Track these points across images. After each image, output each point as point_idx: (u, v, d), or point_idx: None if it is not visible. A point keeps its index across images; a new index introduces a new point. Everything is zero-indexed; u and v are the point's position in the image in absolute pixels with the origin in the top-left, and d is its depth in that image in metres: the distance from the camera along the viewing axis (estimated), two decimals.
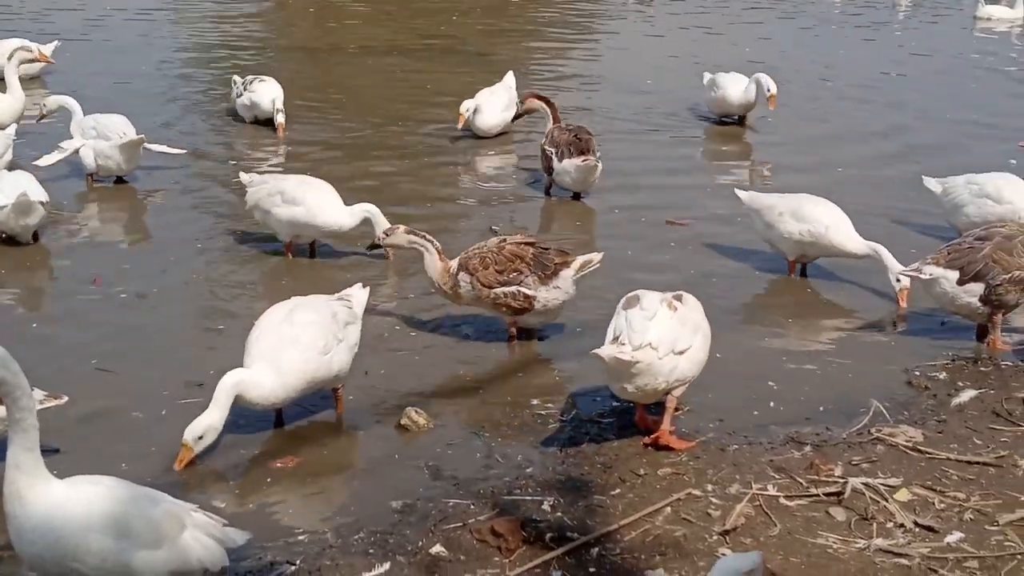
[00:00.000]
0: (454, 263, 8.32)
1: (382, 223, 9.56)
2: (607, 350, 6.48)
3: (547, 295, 8.21)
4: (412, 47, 20.11)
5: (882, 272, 9.21)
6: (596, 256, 8.35)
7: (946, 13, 26.70)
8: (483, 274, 8.20)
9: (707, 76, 15.03)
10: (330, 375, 6.95)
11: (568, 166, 11.59)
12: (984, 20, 24.84)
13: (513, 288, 8.15)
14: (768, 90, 14.11)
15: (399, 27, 22.30)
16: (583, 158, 11.49)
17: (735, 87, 14.67)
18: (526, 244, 8.35)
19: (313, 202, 9.70)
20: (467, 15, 24.12)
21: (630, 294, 6.91)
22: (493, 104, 14.04)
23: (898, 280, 8.97)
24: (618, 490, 6.34)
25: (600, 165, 11.59)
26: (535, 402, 7.45)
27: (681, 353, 6.62)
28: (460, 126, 13.72)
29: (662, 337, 6.54)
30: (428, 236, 8.43)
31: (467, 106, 13.77)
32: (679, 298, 6.88)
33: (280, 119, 13.64)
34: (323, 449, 6.89)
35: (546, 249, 8.36)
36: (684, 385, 6.77)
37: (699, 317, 6.92)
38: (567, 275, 8.23)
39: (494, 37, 21.63)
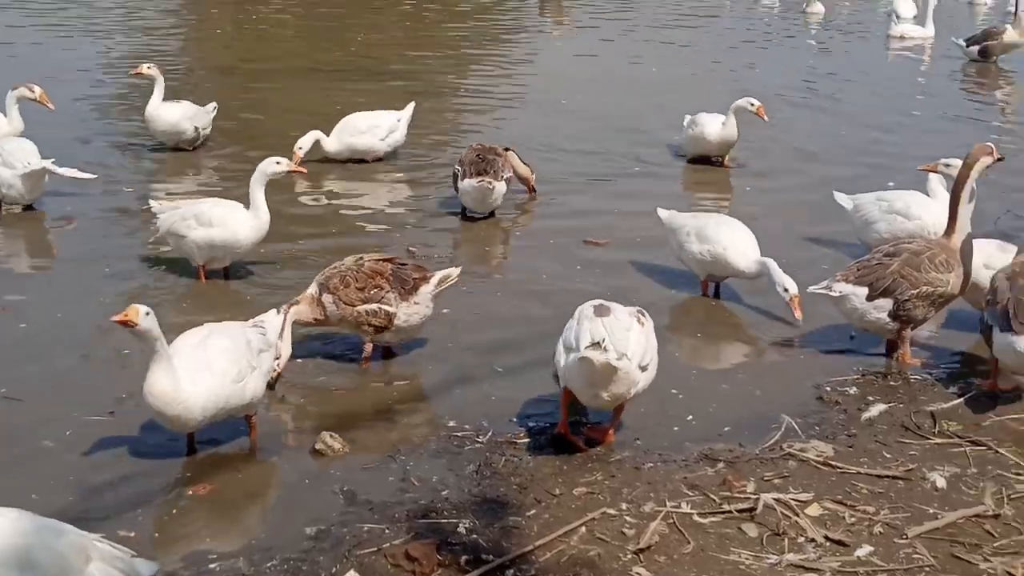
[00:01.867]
0: (313, 288, 8.22)
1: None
2: (596, 354, 6.54)
3: (407, 311, 8.20)
4: (328, 67, 20.04)
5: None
6: (454, 271, 8.42)
7: (863, 33, 27.20)
8: (344, 292, 8.12)
9: (687, 117, 14.32)
10: (243, 402, 6.88)
11: (466, 186, 11.61)
12: (897, 39, 25.35)
13: (374, 306, 8.11)
14: (752, 105, 13.61)
15: (314, 46, 22.23)
16: (479, 179, 11.51)
17: (713, 125, 13.96)
18: (384, 260, 8.33)
19: (230, 221, 9.65)
20: (380, 33, 24.12)
21: (596, 302, 7.02)
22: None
23: (785, 290, 9.07)
24: (534, 511, 6.35)
25: (499, 187, 11.59)
26: (451, 424, 7.43)
27: (644, 368, 6.84)
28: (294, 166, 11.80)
29: (636, 350, 6.75)
30: (288, 306, 8.06)
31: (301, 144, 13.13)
32: (643, 314, 7.11)
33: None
34: (236, 475, 6.81)
35: (404, 265, 8.36)
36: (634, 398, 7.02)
37: (654, 336, 7.12)
38: (426, 291, 8.25)
39: (406, 55, 21.63)
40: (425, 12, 27.94)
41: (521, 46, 23.57)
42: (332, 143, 13.71)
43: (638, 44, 23.80)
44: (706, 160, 14.13)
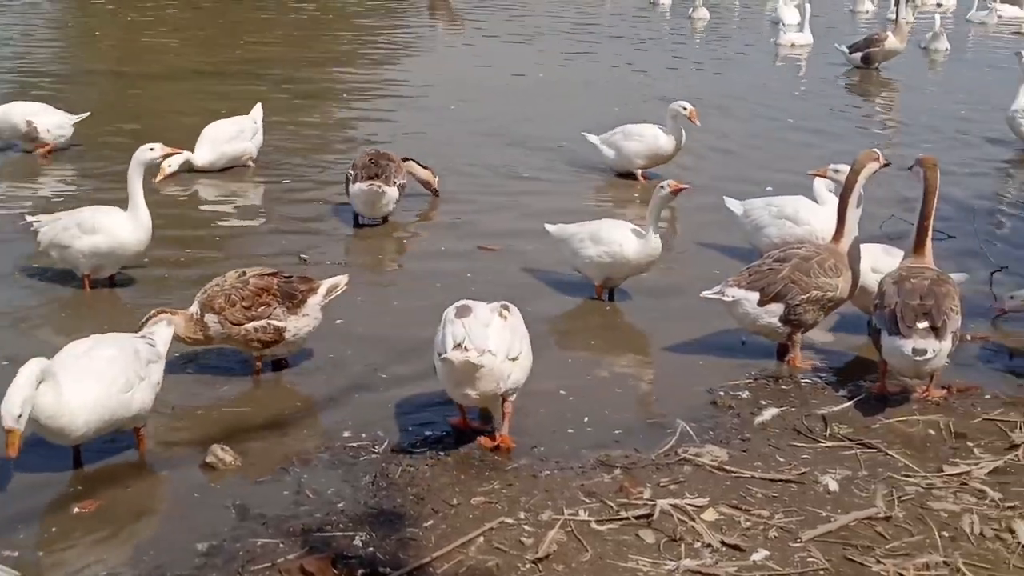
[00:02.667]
0: (195, 307, 8.01)
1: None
2: (456, 354, 6.66)
3: (297, 324, 8.09)
4: (215, 71, 19.75)
5: (685, 294, 9.40)
6: (342, 279, 8.35)
7: (753, 42, 27.63)
8: (230, 312, 7.94)
9: (618, 131, 13.84)
10: (130, 414, 6.71)
11: (356, 190, 11.52)
12: (787, 47, 25.80)
13: (263, 322, 7.97)
14: (684, 108, 13.16)
15: (201, 50, 21.90)
16: (369, 183, 11.42)
17: (652, 137, 13.55)
18: (269, 275, 8.19)
19: (110, 225, 9.44)
20: (266, 37, 23.86)
21: (459, 303, 7.10)
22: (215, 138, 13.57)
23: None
24: (431, 521, 6.28)
25: (390, 192, 11.52)
26: (346, 435, 7.32)
27: (514, 359, 6.92)
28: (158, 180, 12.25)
29: (499, 343, 6.84)
30: (157, 313, 7.83)
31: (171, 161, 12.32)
32: (507, 307, 7.17)
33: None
34: (125, 491, 6.62)
35: (289, 278, 8.23)
36: (517, 391, 7.07)
37: (523, 326, 7.21)
38: (315, 302, 8.16)
39: (297, 60, 21.43)
40: (314, 15, 27.70)
41: (410, 50, 23.51)
42: (205, 155, 13.44)
43: (528, 49, 23.90)
44: (629, 175, 13.91)
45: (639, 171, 13.83)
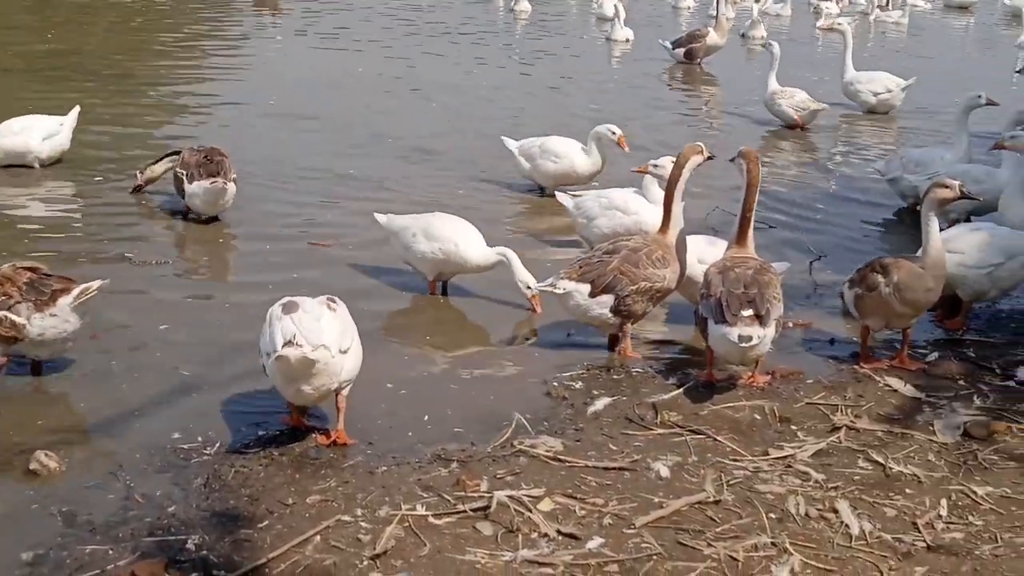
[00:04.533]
0: None
1: None
2: (290, 351, 6.58)
3: (43, 323, 7.74)
4: (24, 66, 19.11)
5: (518, 287, 9.48)
6: (96, 283, 7.92)
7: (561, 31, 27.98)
8: None
9: (535, 146, 13.11)
10: None
11: (197, 188, 11.32)
12: (623, 43, 26.18)
13: (0, 313, 7.71)
14: (613, 133, 12.48)
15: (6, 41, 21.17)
16: (211, 180, 11.26)
17: (568, 158, 12.87)
18: (26, 268, 7.89)
19: None
20: (84, 33, 23.18)
21: (285, 300, 7.03)
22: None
23: (528, 287, 9.29)
24: (266, 522, 6.19)
25: (231, 187, 11.38)
26: (176, 437, 7.14)
27: (345, 352, 6.88)
28: None
29: (332, 337, 6.80)
30: None
31: None
32: (333, 300, 7.14)
33: None
34: None
35: (48, 276, 7.91)
36: (350, 384, 7.04)
37: (350, 318, 7.18)
38: (65, 303, 7.79)
39: (125, 53, 20.89)
40: (137, 13, 27.04)
41: (230, 42, 23.13)
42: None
43: (350, 43, 23.78)
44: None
45: (548, 189, 12.80)
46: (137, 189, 12.16)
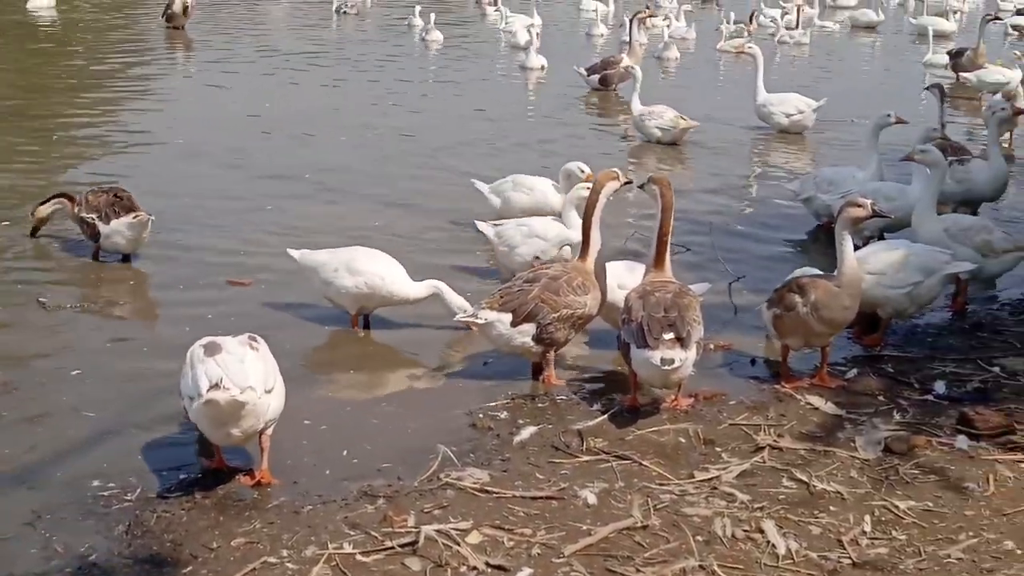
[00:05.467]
0: None
1: None
2: (218, 394, 6.48)
3: None
4: None
5: (440, 317, 9.46)
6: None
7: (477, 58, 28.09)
8: None
9: (504, 181, 13.09)
10: None
11: (118, 226, 11.14)
12: (538, 70, 26.22)
13: None
14: (582, 171, 12.19)
15: None
16: (134, 215, 11.12)
17: (542, 193, 12.77)
18: None
19: None
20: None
21: (205, 340, 6.93)
22: None
23: (464, 312, 9.22)
24: (190, 567, 6.10)
25: (149, 223, 11.23)
26: (95, 484, 6.99)
27: (270, 392, 6.81)
28: None
29: (257, 378, 6.72)
30: None
31: None
32: (254, 339, 7.06)
33: None
34: None
35: None
36: (274, 423, 6.96)
37: (271, 356, 7.10)
38: None
39: (31, 93, 20.58)
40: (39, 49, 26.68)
41: (142, 82, 22.88)
42: None
43: (259, 77, 23.65)
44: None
45: None
46: (34, 232, 11.93)
